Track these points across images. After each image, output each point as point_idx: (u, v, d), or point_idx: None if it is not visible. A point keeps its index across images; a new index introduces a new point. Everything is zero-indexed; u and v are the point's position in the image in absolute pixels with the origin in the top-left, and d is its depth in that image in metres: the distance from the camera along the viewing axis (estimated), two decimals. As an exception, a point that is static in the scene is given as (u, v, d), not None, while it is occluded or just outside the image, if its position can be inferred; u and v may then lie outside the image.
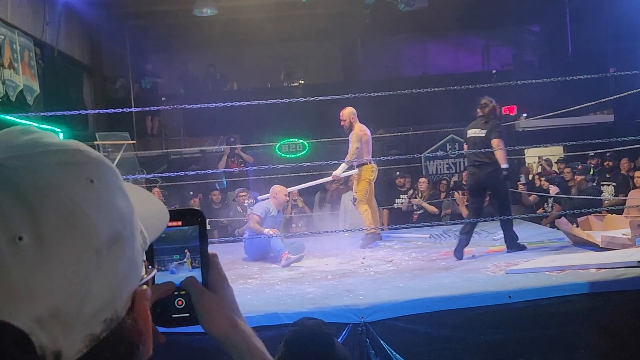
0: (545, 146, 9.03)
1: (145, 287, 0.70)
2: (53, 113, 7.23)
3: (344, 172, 8.71)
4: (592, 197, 9.24)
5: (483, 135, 7.11)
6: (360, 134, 8.50)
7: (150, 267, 0.79)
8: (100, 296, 0.62)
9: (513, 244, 7.05)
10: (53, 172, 0.63)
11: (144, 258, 0.72)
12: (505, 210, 7.11)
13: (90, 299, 0.61)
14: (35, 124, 11.89)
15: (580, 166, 10.71)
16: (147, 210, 0.78)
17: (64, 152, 0.65)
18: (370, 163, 8.56)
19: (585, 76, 6.73)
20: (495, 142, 7.00)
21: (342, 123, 8.82)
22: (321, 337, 2.77)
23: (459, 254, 6.87)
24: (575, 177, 10.36)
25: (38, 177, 0.61)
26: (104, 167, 0.68)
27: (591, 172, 10.60)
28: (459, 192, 10.84)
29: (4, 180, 0.60)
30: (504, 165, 7.00)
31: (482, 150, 6.90)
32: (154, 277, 0.83)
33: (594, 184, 10.32)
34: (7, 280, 0.57)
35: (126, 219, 0.67)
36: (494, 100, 7.35)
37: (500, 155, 6.95)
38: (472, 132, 7.27)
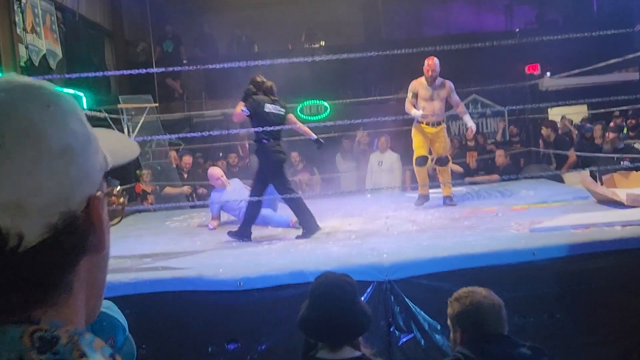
0: (570, 104, 8.94)
1: (99, 193, 0.84)
2: (77, 75, 7.27)
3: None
4: (630, 154, 9.16)
5: (283, 112, 6.87)
6: (452, 86, 8.30)
7: (111, 185, 0.94)
8: (53, 192, 0.77)
9: (309, 225, 6.68)
10: (16, 98, 0.79)
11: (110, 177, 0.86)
12: (285, 190, 6.74)
13: (44, 193, 0.76)
14: (59, 88, 11.96)
15: (612, 124, 10.59)
16: (114, 142, 0.95)
17: (30, 86, 0.82)
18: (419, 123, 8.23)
19: (610, 31, 6.61)
20: (291, 117, 6.95)
21: (431, 73, 8.27)
22: (345, 288, 2.82)
23: (242, 233, 6.67)
24: (607, 134, 10.21)
25: (2, 101, 0.78)
26: (63, 99, 0.83)
27: (625, 131, 10.47)
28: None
29: None
30: (312, 137, 6.97)
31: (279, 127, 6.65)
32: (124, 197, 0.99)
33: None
34: None
35: (79, 138, 0.81)
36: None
37: (306, 129, 6.95)
38: (273, 108, 6.84)
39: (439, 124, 8.18)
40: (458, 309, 2.94)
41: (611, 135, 10.05)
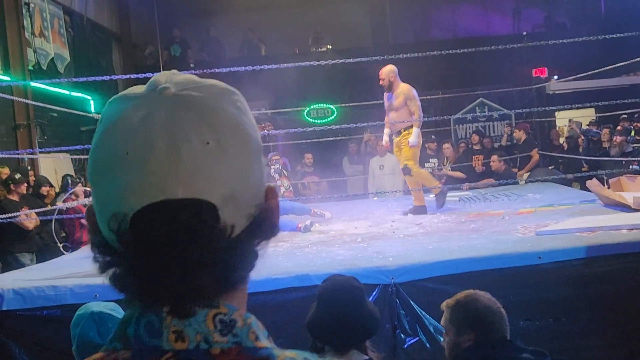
0: (577, 108, 8.92)
1: (272, 184, 0.93)
2: (85, 79, 7.31)
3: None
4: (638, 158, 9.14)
5: None
6: (413, 92, 7.94)
7: None
8: (255, 186, 0.86)
9: None
10: (217, 99, 0.87)
11: None
12: None
13: (250, 187, 0.85)
14: (67, 92, 12.05)
15: (620, 127, 10.56)
16: None
17: (216, 85, 0.90)
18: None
19: (617, 35, 6.60)
20: None
21: (380, 82, 8.16)
22: (352, 291, 2.82)
23: None
24: (615, 138, 10.18)
25: (209, 102, 0.85)
26: (241, 96, 0.92)
27: (632, 134, 10.44)
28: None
29: (188, 106, 0.84)
30: None
31: None
32: None
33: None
34: (204, 172, 0.80)
35: (259, 135, 0.91)
36: None
37: None
38: None
39: (399, 132, 8.01)
40: (463, 314, 2.87)
41: (619, 138, 10.02)
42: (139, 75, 6.98)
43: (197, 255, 0.78)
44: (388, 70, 8.01)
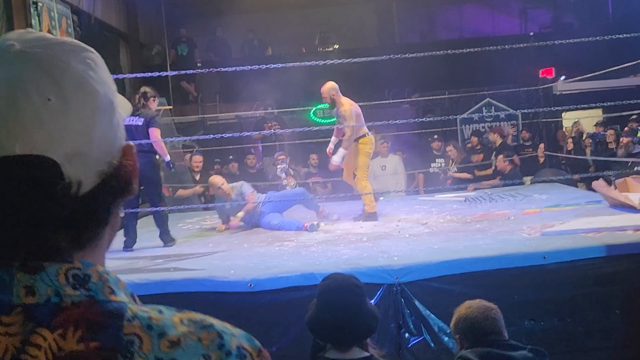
0: (584, 108, 8.90)
1: (131, 143, 0.93)
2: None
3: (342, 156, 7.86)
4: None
5: (140, 123, 6.80)
6: (351, 109, 7.80)
7: None
8: (104, 143, 0.85)
9: (167, 237, 6.91)
10: (66, 55, 0.85)
11: None
12: (157, 203, 6.92)
13: (98, 143, 0.84)
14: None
15: (627, 128, 10.54)
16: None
17: (66, 42, 0.88)
18: (368, 135, 7.96)
19: (624, 35, 6.58)
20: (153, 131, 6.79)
21: (323, 100, 8.28)
22: (353, 288, 2.84)
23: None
24: (621, 139, 10.15)
25: (56, 58, 0.84)
26: (96, 55, 0.91)
27: (639, 135, 10.41)
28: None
29: (33, 61, 0.83)
30: (167, 158, 6.99)
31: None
32: None
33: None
34: (45, 128, 0.80)
35: (114, 93, 0.90)
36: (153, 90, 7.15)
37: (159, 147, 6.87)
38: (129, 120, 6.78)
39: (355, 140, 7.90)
40: (454, 319, 3.09)
41: (625, 139, 10.00)
42: (146, 75, 7.00)
43: (39, 211, 0.78)
44: (328, 88, 7.94)
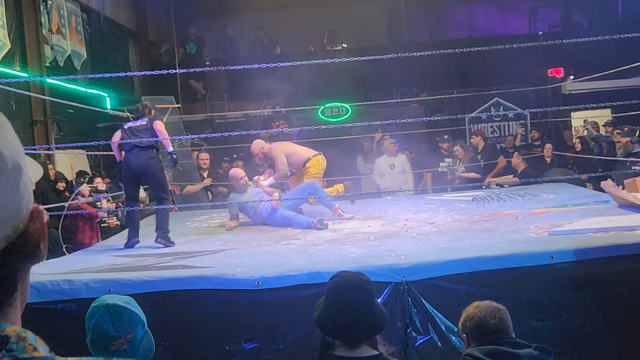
0: (593, 108, 8.87)
1: (40, 206, 0.91)
2: (101, 75, 7.38)
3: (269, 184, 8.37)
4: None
5: (145, 122, 7.00)
6: (278, 149, 8.34)
7: None
8: (8, 207, 0.83)
9: (164, 235, 6.83)
10: None
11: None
12: (162, 197, 7.02)
13: (2, 209, 0.81)
14: (83, 89, 12.14)
15: (626, 128, 10.53)
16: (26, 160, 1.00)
17: None
18: (313, 157, 8.40)
19: (633, 35, 6.55)
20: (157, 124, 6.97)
21: (256, 159, 8.76)
22: (362, 285, 2.84)
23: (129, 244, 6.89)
24: (621, 139, 10.16)
25: None
26: (2, 116, 0.87)
27: (637, 134, 10.39)
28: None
29: None
30: (170, 149, 7.13)
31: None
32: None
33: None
34: None
35: (21, 156, 0.87)
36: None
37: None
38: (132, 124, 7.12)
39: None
40: (463, 318, 3.09)
41: (624, 139, 9.98)
42: (155, 72, 7.02)
43: None
44: (256, 147, 8.48)
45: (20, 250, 0.85)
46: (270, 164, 8.52)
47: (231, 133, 7.02)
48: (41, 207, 0.92)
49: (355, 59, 6.94)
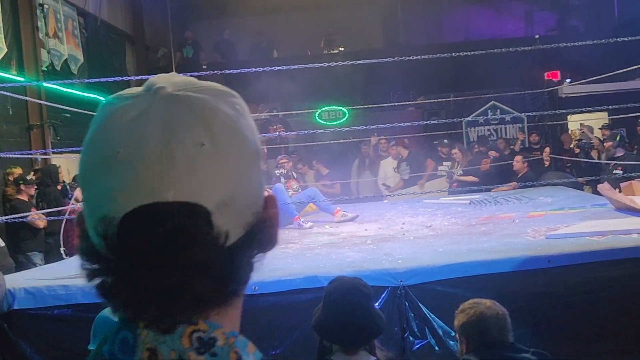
0: (590, 111, 8.89)
1: (272, 194, 0.90)
2: (98, 80, 7.38)
3: None
4: (624, 162, 9.14)
5: None
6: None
7: None
8: (252, 193, 0.82)
9: None
10: (215, 100, 0.82)
11: None
12: None
13: (247, 193, 0.80)
14: (80, 93, 12.12)
15: (607, 132, 10.61)
16: None
17: (214, 86, 0.85)
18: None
19: (630, 38, 6.56)
20: None
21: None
22: (360, 290, 2.84)
23: None
24: (605, 143, 10.20)
25: (206, 103, 0.80)
26: (242, 100, 0.87)
27: (617, 138, 10.40)
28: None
29: (185, 104, 0.79)
30: None
31: None
32: None
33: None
34: (198, 175, 0.75)
35: (258, 140, 0.86)
36: None
37: None
38: None
39: None
40: (463, 320, 3.00)
41: (607, 143, 10.03)
42: (152, 77, 7.02)
43: (188, 263, 0.73)
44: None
45: (258, 238, 0.82)
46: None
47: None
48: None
49: (351, 62, 6.92)
